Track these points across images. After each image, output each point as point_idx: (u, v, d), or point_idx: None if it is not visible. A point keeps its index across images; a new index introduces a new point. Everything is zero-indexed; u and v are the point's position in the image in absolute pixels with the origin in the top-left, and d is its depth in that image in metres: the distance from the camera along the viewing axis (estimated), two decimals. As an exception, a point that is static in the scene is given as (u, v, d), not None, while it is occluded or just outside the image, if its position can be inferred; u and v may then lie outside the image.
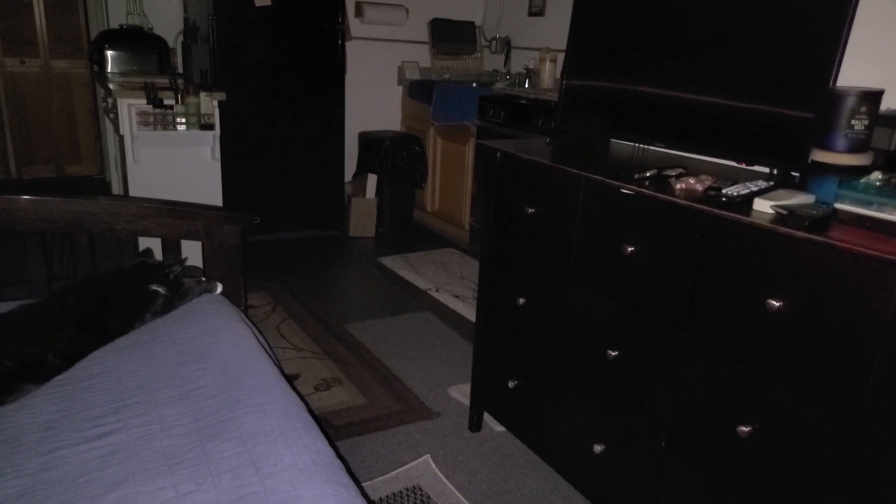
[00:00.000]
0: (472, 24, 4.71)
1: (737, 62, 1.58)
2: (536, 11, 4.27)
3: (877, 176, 1.12)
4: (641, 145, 1.97)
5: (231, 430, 1.16)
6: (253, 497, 1.00)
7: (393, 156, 4.21)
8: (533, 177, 1.85)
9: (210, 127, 3.21)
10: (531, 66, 4.01)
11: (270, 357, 1.54)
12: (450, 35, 4.61)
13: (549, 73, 3.78)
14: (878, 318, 1.07)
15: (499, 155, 1.96)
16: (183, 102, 3.12)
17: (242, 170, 3.97)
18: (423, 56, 4.67)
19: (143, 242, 1.95)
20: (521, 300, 1.93)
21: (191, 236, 1.85)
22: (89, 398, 1.31)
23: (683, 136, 1.71)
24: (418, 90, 4.35)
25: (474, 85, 4.09)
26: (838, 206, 1.14)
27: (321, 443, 1.16)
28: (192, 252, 1.99)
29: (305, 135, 4.14)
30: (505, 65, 4.48)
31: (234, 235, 1.85)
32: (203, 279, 1.84)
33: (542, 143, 2.10)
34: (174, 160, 3.19)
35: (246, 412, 1.21)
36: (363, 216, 4.31)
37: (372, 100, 4.62)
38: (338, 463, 1.13)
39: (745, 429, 1.30)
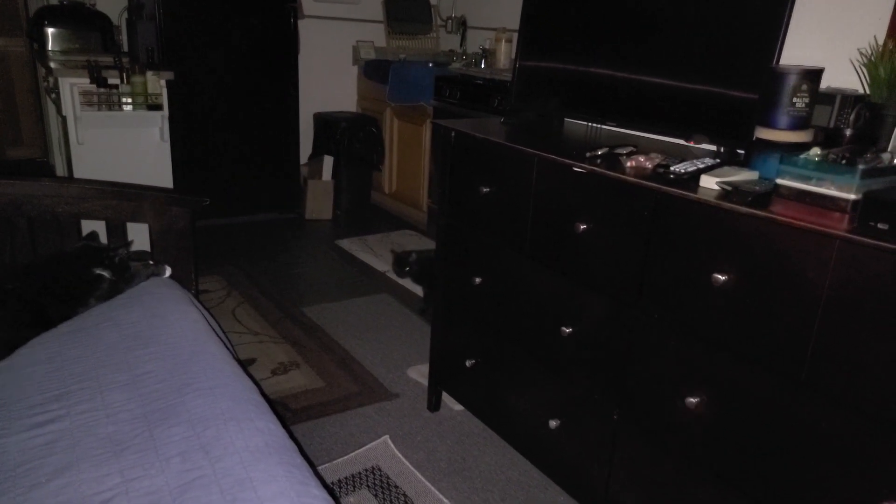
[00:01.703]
0: (427, 3, 4.65)
1: (684, 43, 1.60)
2: (492, -9, 4.24)
3: (815, 152, 1.16)
4: (594, 124, 1.99)
5: (180, 414, 1.14)
6: (203, 480, 0.98)
7: (349, 137, 4.16)
8: (487, 156, 1.85)
9: (158, 107, 3.11)
10: (487, 47, 3.99)
11: (222, 341, 1.51)
12: (405, 14, 4.55)
13: (505, 54, 3.77)
14: (815, 288, 1.11)
15: (453, 134, 1.95)
16: (128, 82, 3.01)
17: (194, 152, 3.86)
18: (378, 35, 4.60)
19: (88, 226, 1.88)
20: (478, 279, 1.94)
21: (137, 219, 1.79)
22: (30, 385, 1.26)
23: (634, 115, 1.73)
24: (374, 70, 4.29)
25: (430, 65, 4.05)
26: (779, 181, 1.18)
27: (273, 425, 1.15)
28: (141, 235, 1.93)
29: (259, 116, 4.05)
30: (461, 45, 4.45)
31: (183, 217, 1.80)
32: (151, 262, 1.79)
33: (497, 122, 2.10)
34: (121, 142, 3.08)
35: (195, 396, 1.19)
36: (320, 198, 4.25)
37: (327, 80, 4.53)
38: (290, 444, 1.11)
39: (693, 400, 1.34)
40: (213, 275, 3.30)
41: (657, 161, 1.46)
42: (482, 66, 3.90)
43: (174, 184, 3.28)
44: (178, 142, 3.37)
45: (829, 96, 1.37)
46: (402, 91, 3.99)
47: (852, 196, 1.07)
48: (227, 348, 1.50)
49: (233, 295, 3.10)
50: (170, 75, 3.15)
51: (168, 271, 1.77)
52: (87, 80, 2.93)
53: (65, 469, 1.03)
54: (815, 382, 1.14)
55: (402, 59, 4.32)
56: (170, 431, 1.09)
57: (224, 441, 1.06)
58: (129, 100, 3.02)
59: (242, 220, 4.17)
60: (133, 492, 0.97)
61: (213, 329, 1.56)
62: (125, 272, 1.64)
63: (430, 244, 3.68)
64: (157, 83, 3.08)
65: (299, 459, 1.07)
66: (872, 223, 1.05)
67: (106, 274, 1.58)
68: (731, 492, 1.32)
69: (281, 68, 4.03)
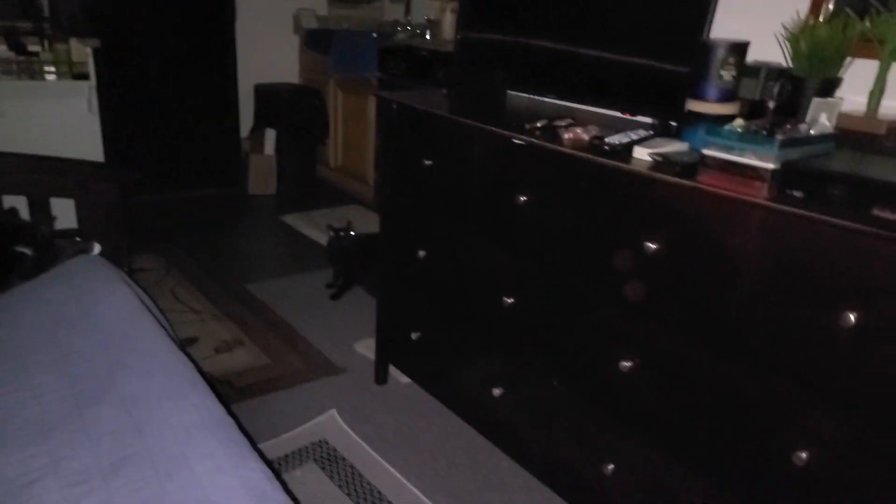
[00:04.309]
0: (371, -29, 4.55)
1: (618, 18, 1.63)
2: (437, -39, 4.17)
3: (739, 123, 1.20)
4: (537, 97, 2.00)
5: (111, 393, 1.11)
6: (135, 459, 0.96)
7: (292, 109, 4.06)
8: (429, 129, 1.85)
9: (84, 76, 2.96)
10: (432, 17, 3.95)
11: (157, 319, 1.47)
12: (348, -18, 4.44)
13: (450, 25, 3.72)
14: (738, 255, 1.16)
15: (395, 106, 1.93)
16: (51, 49, 2.85)
17: (128, 125, 3.70)
18: (319, 3, 4.48)
19: (8, 202, 1.78)
20: (422, 253, 1.94)
21: (62, 193, 1.71)
22: (-51, 370, 1.20)
23: (574, 88, 1.75)
24: (315, 40, 4.18)
25: (374, 36, 3.97)
26: (705, 152, 1.22)
27: (210, 401, 1.13)
28: (69, 212, 1.84)
29: (195, 87, 3.91)
30: (406, 15, 4.38)
31: (112, 192, 1.73)
32: (78, 239, 1.71)
33: (440, 94, 2.09)
34: (45, 113, 2.92)
35: (128, 375, 1.16)
36: (262, 173, 4.15)
37: (266, 49, 4.39)
38: (228, 420, 1.10)
39: (626, 364, 1.39)
40: (151, 253, 3.19)
41: (594, 133, 1.49)
42: (427, 37, 3.85)
43: (106, 159, 3.14)
44: (109, 114, 3.22)
45: (755, 69, 1.42)
46: (346, 62, 3.91)
47: (771, 165, 1.12)
48: (163, 326, 1.46)
49: (172, 273, 3.02)
50: (96, 43, 3.00)
51: (97, 248, 1.71)
52: (6, 48, 2.76)
53: (-12, 453, 0.99)
54: (737, 345, 1.20)
55: (345, 28, 4.23)
56: (100, 411, 1.06)
57: (158, 419, 1.04)
58: (53, 69, 2.86)
59: (182, 196, 4.04)
60: (61, 471, 0.94)
61: (148, 307, 1.52)
62: (49, 250, 1.56)
63: (375, 219, 3.66)
64: (81, 51, 2.93)
65: (237, 435, 1.07)
66: (789, 191, 1.10)
67: (28, 251, 1.51)
68: (664, 449, 1.38)
69: (217, 36, 3.89)
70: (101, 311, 1.37)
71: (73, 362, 1.21)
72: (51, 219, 1.71)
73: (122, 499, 0.89)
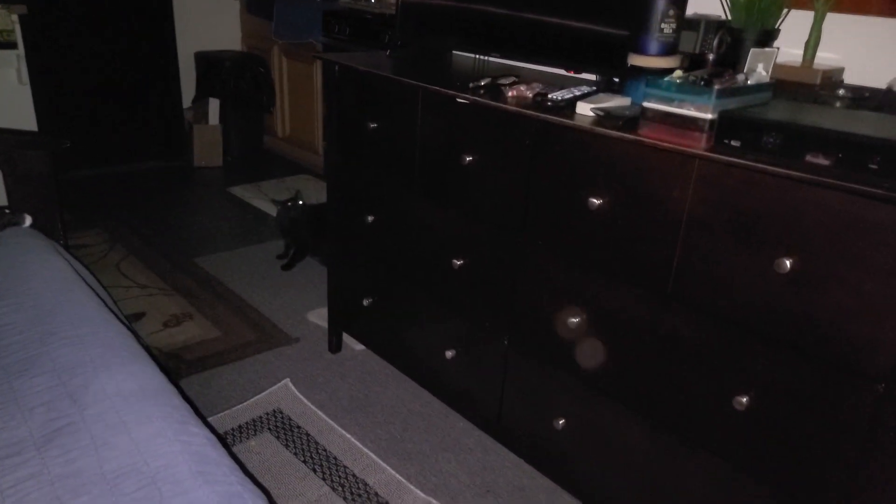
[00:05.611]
0: (314, -67, 4.39)
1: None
2: (382, -79, 4.05)
3: (678, 74, 1.21)
4: (481, 56, 1.97)
5: (44, 364, 1.06)
6: (70, 428, 0.93)
7: (235, 78, 3.93)
8: (373, 90, 1.81)
9: (11, 45, 2.79)
10: (378, -20, 3.84)
11: (94, 291, 1.41)
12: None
13: (397, -12, 3.65)
14: (678, 206, 1.18)
15: (337, 68, 1.89)
16: (-30, 14, 2.67)
17: (63, 96, 3.52)
18: (262, -33, 4.31)
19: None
20: (370, 218, 1.92)
21: (-15, 164, 1.62)
22: None
23: (517, 47, 1.73)
24: (257, 5, 4.04)
25: None
26: (645, 104, 1.22)
27: (149, 369, 1.10)
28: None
29: (132, 54, 3.73)
30: (351, -22, 4.26)
31: (42, 162, 1.64)
32: (7, 211, 1.63)
33: (383, 56, 2.05)
34: (-31, 84, 2.75)
35: (61, 345, 1.11)
36: (208, 144, 4.02)
37: (206, 16, 4.21)
38: (169, 387, 1.07)
39: (574, 320, 1.41)
40: (94, 228, 3.08)
41: (537, 90, 1.48)
42: (371, 0, 3.76)
43: (41, 131, 2.99)
44: (42, 86, 3.05)
45: (695, 22, 1.43)
46: (289, 27, 3.79)
47: (709, 116, 1.13)
48: (101, 298, 1.40)
49: (116, 248, 2.92)
50: (22, 9, 2.82)
51: (28, 220, 1.62)
52: (-81, 13, 2.58)
53: (-90, 431, 0.94)
54: (678, 294, 1.22)
55: (288, -8, 4.08)
56: (32, 382, 1.02)
57: (94, 388, 1.01)
58: (-26, 35, 2.69)
59: (124, 170, 3.89)
60: (-9, 446, 0.90)
61: (85, 279, 1.46)
62: (-26, 222, 1.48)
63: (325, 189, 3.60)
64: (7, 18, 2.76)
65: (178, 401, 1.04)
66: (727, 141, 1.12)
67: (-49, 225, 1.43)
68: (611, 401, 1.41)
69: (153, 1, 3.70)
70: (33, 283, 1.31)
71: (2, 334, 1.15)
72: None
73: (58, 469, 0.86)
